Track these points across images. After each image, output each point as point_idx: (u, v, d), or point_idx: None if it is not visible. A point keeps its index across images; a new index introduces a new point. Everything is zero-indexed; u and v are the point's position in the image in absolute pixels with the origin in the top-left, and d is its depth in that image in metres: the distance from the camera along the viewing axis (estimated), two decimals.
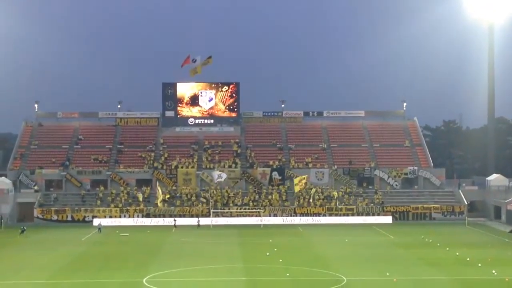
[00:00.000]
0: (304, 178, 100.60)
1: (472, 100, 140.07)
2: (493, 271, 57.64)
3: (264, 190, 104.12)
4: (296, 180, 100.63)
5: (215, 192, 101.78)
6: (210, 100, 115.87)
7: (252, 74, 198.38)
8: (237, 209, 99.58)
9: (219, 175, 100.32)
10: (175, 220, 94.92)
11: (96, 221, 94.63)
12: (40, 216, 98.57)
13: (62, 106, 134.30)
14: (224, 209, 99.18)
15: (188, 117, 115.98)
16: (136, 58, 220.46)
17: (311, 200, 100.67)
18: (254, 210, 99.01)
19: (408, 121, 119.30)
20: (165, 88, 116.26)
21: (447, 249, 71.43)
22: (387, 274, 56.95)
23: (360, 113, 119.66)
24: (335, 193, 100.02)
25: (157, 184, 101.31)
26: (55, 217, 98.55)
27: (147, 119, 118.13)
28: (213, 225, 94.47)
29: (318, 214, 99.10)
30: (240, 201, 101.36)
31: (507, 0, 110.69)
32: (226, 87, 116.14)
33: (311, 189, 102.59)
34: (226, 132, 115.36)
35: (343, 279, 55.17)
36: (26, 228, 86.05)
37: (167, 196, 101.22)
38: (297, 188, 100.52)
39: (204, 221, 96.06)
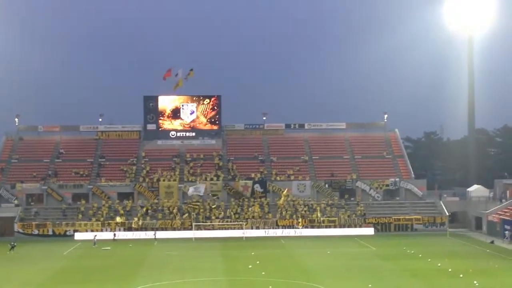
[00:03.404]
0: (284, 194, 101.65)
1: (452, 111, 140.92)
2: (475, 282, 57.94)
3: (246, 203, 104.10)
4: (283, 193, 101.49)
5: (197, 205, 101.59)
6: (192, 113, 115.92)
7: (234, 87, 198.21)
8: (219, 222, 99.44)
9: (195, 188, 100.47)
10: (114, 235, 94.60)
11: (85, 235, 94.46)
12: (21, 230, 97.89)
13: (43, 119, 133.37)
14: (206, 222, 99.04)
15: (169, 130, 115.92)
16: (117, 71, 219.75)
17: (280, 202, 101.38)
18: (236, 222, 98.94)
19: (389, 133, 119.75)
20: (146, 101, 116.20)
21: (429, 260, 71.71)
22: (370, 285, 57.08)
23: (341, 125, 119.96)
24: (318, 211, 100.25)
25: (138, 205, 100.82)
26: (36, 232, 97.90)
27: (129, 132, 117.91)
28: (195, 238, 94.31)
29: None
30: (222, 214, 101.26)
31: (486, 12, 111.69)
32: (208, 100, 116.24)
33: (294, 200, 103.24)
34: (207, 145, 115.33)
35: None
36: (15, 243, 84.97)
37: (146, 209, 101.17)
38: (280, 201, 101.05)
39: (186, 234, 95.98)
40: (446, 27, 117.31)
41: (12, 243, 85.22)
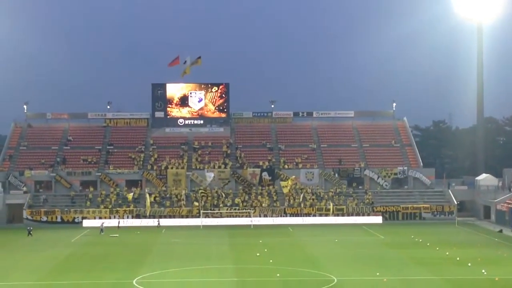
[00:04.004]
0: (292, 179, 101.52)
1: (461, 100, 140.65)
2: (483, 271, 57.76)
3: (254, 191, 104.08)
4: (283, 183, 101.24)
5: (204, 193, 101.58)
6: (200, 100, 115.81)
7: (242, 74, 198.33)
8: (227, 209, 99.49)
9: (210, 175, 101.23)
10: (119, 222, 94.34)
11: (93, 222, 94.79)
12: (30, 217, 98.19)
13: (52, 107, 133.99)
14: (214, 210, 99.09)
15: (177, 118, 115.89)
16: (125, 58, 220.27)
17: (300, 201, 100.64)
18: (244, 210, 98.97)
19: (397, 121, 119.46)
20: (154, 89, 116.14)
21: (437, 248, 71.59)
22: (377, 274, 56.98)
23: (349, 113, 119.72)
24: (331, 206, 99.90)
25: (146, 192, 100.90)
26: (44, 218, 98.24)
27: (137, 120, 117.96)
28: (203, 226, 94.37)
29: (308, 215, 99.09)
30: (230, 202, 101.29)
31: (495, 0, 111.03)
32: (216, 88, 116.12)
33: (302, 189, 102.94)
34: (216, 132, 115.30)
35: (334, 279, 55.18)
36: (31, 228, 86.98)
37: (155, 197, 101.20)
38: (285, 190, 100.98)
39: (194, 221, 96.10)
40: (456, 15, 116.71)
41: (29, 227, 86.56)
